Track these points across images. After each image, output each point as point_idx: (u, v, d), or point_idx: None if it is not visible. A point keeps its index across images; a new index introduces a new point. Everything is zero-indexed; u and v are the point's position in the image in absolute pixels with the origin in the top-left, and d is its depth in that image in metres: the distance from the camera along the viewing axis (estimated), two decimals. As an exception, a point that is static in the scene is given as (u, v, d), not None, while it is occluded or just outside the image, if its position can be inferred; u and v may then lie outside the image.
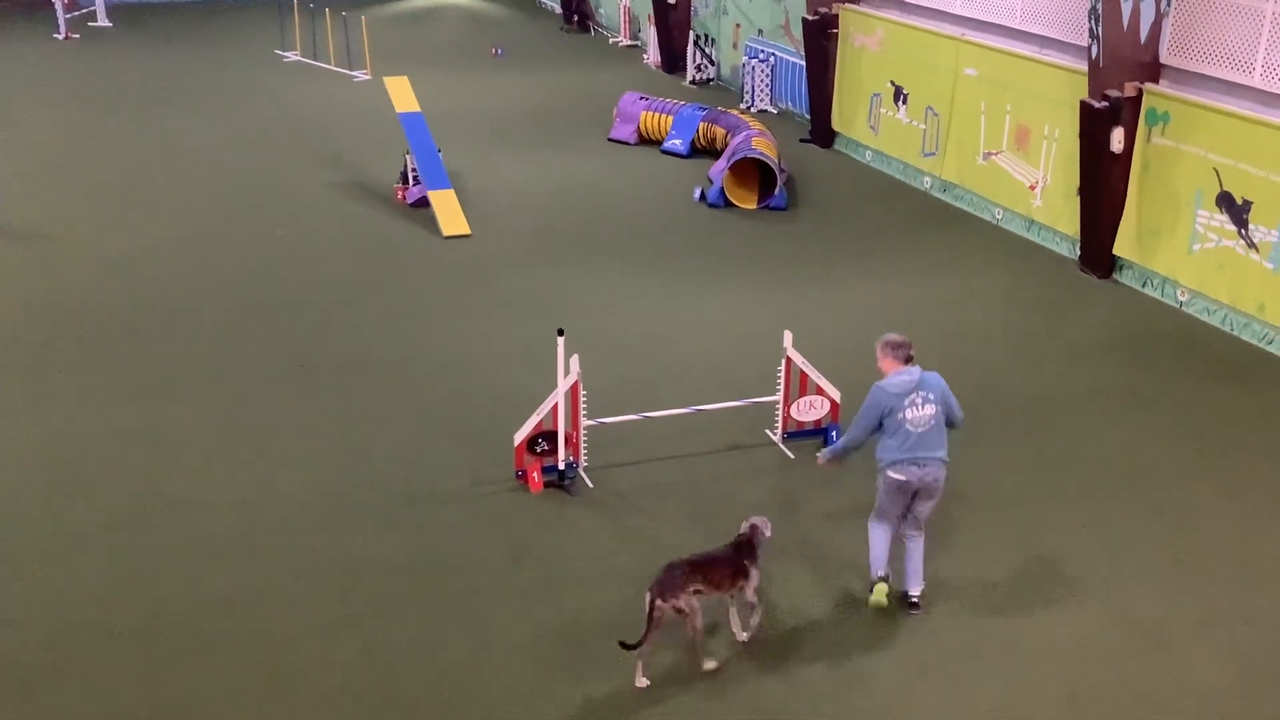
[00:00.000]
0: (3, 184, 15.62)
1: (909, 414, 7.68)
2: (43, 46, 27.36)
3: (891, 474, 7.75)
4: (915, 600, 8.00)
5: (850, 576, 8.29)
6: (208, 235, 15.16)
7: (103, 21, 30.28)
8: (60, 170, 17.85)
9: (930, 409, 7.69)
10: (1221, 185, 12.42)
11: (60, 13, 28.48)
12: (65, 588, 8.06)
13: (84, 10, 30.82)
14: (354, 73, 24.61)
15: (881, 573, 7.91)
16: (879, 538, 7.97)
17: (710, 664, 7.43)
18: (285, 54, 26.53)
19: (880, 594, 7.83)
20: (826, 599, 8.08)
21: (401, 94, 16.71)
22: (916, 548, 8.01)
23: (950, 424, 7.86)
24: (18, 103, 21.88)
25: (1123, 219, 13.62)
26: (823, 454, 8.31)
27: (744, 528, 7.66)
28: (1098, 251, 13.95)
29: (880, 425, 7.78)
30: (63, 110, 21.50)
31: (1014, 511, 9.18)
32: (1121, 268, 13.93)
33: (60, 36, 28.20)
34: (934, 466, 7.72)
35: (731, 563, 7.48)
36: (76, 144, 19.31)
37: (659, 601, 7.16)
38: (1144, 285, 13.63)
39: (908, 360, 7.84)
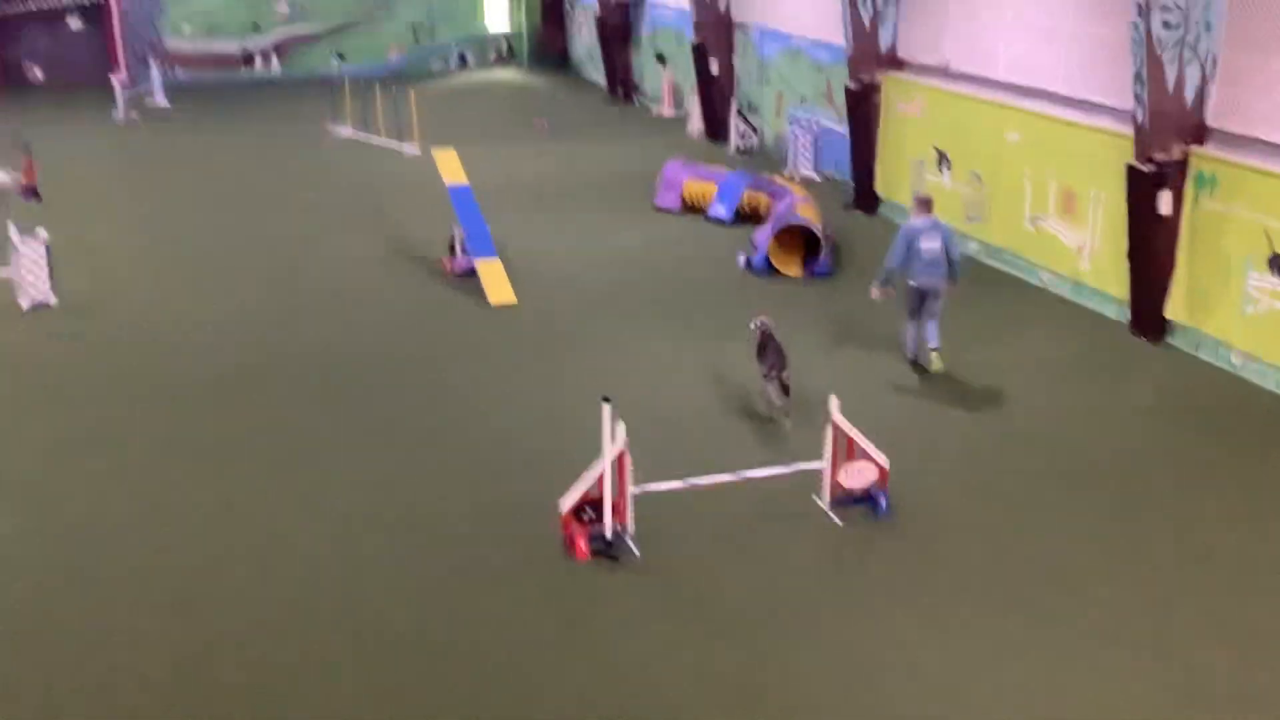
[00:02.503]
0: (66, 262, 15.95)
1: (924, 244, 12.38)
2: (103, 128, 27.84)
3: (910, 283, 12.55)
4: (935, 347, 12.64)
5: (913, 648, 8.17)
6: (262, 307, 15.40)
7: (160, 101, 30.93)
8: (123, 251, 18.22)
9: (937, 243, 12.39)
10: (1273, 248, 12.27)
11: (120, 93, 29.06)
12: (98, 635, 8.14)
13: (140, 88, 31.37)
14: (404, 146, 25.04)
15: (910, 354, 12.96)
16: (908, 332, 12.92)
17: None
18: (338, 129, 27.06)
19: (928, 365, 12.80)
20: (874, 663, 7.96)
21: (449, 167, 16.97)
22: (933, 324, 12.64)
23: (950, 258, 12.46)
24: (82, 186, 22.31)
25: (1173, 282, 13.48)
26: (874, 287, 12.79)
27: (763, 326, 11.87)
28: (1149, 316, 13.79)
29: (908, 252, 12.34)
30: (124, 193, 21.98)
31: (1067, 578, 9.01)
32: (1174, 331, 13.76)
33: (120, 117, 28.80)
34: (936, 278, 12.48)
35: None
36: (139, 223, 19.72)
37: (785, 373, 11.33)
38: (1197, 349, 13.45)
39: (928, 210, 12.52)
